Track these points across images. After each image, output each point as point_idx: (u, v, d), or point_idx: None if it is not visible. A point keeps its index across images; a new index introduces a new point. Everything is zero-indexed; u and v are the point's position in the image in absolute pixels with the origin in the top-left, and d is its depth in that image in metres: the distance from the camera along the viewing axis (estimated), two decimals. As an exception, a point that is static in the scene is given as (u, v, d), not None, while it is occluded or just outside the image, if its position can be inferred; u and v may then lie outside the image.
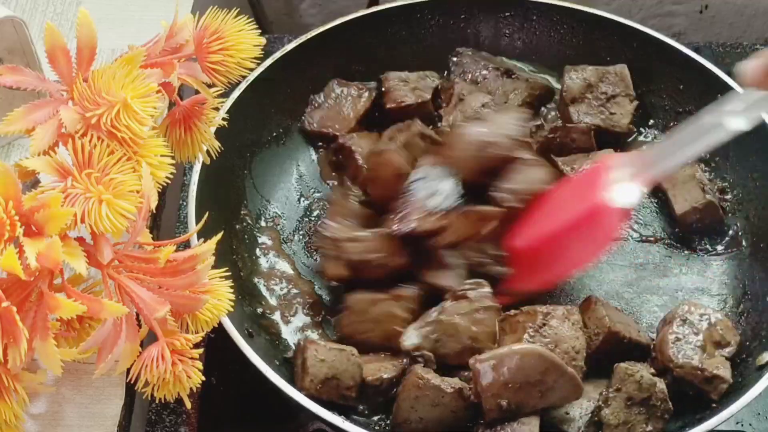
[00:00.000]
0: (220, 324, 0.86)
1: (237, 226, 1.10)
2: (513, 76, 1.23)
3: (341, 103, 1.21)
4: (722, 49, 1.36)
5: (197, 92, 0.87)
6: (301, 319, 1.05)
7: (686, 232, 1.12)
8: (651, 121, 1.25)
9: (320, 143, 1.21)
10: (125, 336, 0.75)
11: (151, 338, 0.77)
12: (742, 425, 1.03)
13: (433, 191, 1.01)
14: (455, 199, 1.01)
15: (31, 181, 0.80)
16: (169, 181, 0.79)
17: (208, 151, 0.91)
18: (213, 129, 0.90)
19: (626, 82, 1.22)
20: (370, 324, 0.99)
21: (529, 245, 1.01)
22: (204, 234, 0.83)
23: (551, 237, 0.99)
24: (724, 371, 0.94)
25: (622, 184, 0.95)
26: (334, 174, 1.19)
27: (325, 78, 1.22)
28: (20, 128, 0.76)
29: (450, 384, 0.91)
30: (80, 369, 0.91)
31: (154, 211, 0.91)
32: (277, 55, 1.17)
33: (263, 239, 1.12)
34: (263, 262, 1.10)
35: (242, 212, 1.12)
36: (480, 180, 1.04)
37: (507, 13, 1.29)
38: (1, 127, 0.75)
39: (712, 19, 1.69)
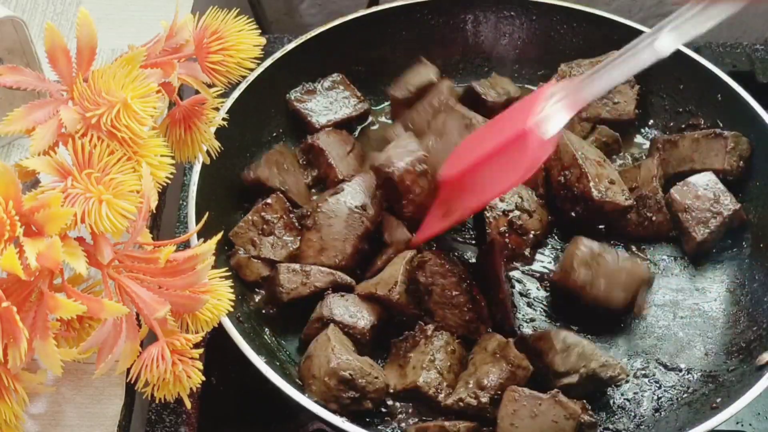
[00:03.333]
0: (220, 324, 0.86)
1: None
2: None
3: (331, 99, 1.22)
4: (722, 49, 1.36)
5: (197, 92, 0.87)
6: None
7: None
8: (651, 121, 1.25)
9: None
10: (125, 336, 0.75)
11: (151, 338, 0.77)
12: (742, 425, 1.03)
13: None
14: None
15: (31, 181, 0.80)
16: (169, 181, 0.79)
17: (208, 151, 0.91)
18: (213, 129, 0.90)
19: None
20: None
21: (456, 175, 1.01)
22: (204, 234, 0.83)
23: (476, 165, 0.98)
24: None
25: (549, 112, 0.92)
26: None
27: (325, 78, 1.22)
28: (20, 128, 0.76)
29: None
30: (80, 369, 0.91)
31: (154, 211, 0.91)
32: (277, 55, 1.18)
33: (263, 239, 1.12)
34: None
35: (242, 212, 1.12)
36: None
37: (507, 13, 1.29)
38: (1, 127, 0.75)
39: (712, 19, 1.68)
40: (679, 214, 1.08)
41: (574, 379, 0.94)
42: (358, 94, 1.22)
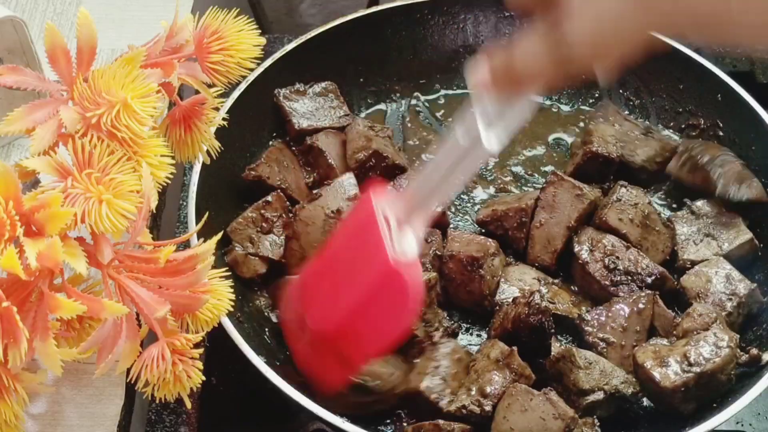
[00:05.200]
0: (220, 324, 0.86)
1: (237, 226, 1.10)
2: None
3: (317, 105, 1.20)
4: (722, 49, 1.36)
5: (197, 92, 0.87)
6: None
7: None
8: (651, 121, 1.25)
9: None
10: (125, 336, 0.75)
11: (151, 338, 0.77)
12: (742, 425, 1.03)
13: None
14: None
15: (31, 181, 0.80)
16: (169, 181, 0.79)
17: (208, 151, 0.91)
18: (213, 129, 0.90)
19: None
20: None
21: (332, 324, 0.87)
22: (204, 234, 0.83)
23: (350, 311, 0.85)
24: None
25: (402, 234, 0.81)
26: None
27: (324, 78, 1.22)
28: (20, 128, 0.76)
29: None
30: (80, 369, 0.91)
31: (154, 211, 0.91)
32: (277, 55, 1.17)
33: (263, 239, 1.12)
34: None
35: (242, 212, 1.12)
36: None
37: (507, 13, 1.29)
38: (1, 127, 0.75)
39: (712, 19, 1.68)
40: (693, 302, 1.01)
41: (599, 396, 0.92)
42: (345, 108, 1.20)
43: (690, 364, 0.92)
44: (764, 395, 0.90)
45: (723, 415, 0.88)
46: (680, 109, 1.23)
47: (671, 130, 1.23)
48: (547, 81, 0.70)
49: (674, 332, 0.97)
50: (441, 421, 0.91)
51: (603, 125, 1.19)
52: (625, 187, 1.09)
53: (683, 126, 1.22)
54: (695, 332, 0.95)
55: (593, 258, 1.04)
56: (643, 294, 1.01)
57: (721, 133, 1.18)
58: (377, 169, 1.13)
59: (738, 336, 0.95)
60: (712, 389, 0.93)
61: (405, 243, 0.81)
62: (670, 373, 0.92)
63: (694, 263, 1.06)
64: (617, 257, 1.04)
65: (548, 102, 1.28)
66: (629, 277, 1.03)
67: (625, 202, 1.08)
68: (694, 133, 1.20)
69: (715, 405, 0.92)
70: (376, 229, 0.82)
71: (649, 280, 1.03)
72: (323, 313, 0.88)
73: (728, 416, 0.88)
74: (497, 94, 0.73)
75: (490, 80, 0.72)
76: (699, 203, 1.10)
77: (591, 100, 1.27)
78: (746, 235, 1.07)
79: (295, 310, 0.94)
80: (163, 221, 1.10)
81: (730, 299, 1.01)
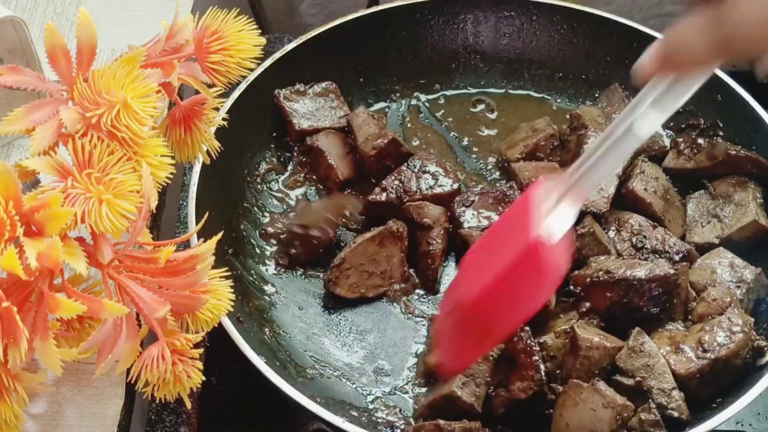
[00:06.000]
0: (220, 324, 0.86)
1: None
2: None
3: (318, 105, 1.20)
4: (723, 49, 1.36)
5: (197, 92, 0.87)
6: (301, 319, 1.05)
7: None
8: (651, 121, 1.25)
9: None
10: (125, 336, 0.75)
11: (151, 338, 0.77)
12: (742, 425, 1.03)
13: None
14: None
15: (31, 181, 0.80)
16: (169, 181, 0.79)
17: (208, 151, 0.91)
18: (213, 129, 0.90)
19: None
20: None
21: (475, 298, 0.87)
22: (204, 234, 0.83)
23: (492, 287, 0.85)
24: None
25: (551, 213, 0.82)
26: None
27: (325, 78, 1.22)
28: (20, 128, 0.76)
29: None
30: (80, 369, 0.91)
31: (154, 211, 0.91)
32: (277, 55, 1.18)
33: (263, 239, 1.12)
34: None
35: (242, 212, 1.12)
36: None
37: (507, 13, 1.29)
38: (1, 127, 0.75)
39: (712, 19, 1.68)
40: (702, 294, 1.01)
41: (627, 381, 0.91)
42: (346, 109, 1.20)
43: (704, 350, 0.92)
44: (764, 395, 0.90)
45: (723, 415, 0.88)
46: (680, 109, 1.22)
47: (671, 130, 1.23)
48: (708, 64, 0.70)
49: (690, 317, 0.98)
50: (441, 421, 0.91)
51: (588, 108, 1.19)
52: (645, 161, 1.11)
53: (683, 126, 1.22)
54: (710, 317, 0.95)
55: (620, 238, 1.05)
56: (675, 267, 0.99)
57: (721, 133, 1.18)
58: (391, 156, 1.14)
59: (752, 319, 0.95)
60: (729, 374, 0.93)
61: (554, 222, 0.81)
62: (685, 360, 0.92)
63: (697, 246, 1.06)
64: (644, 236, 1.04)
65: (547, 96, 1.29)
66: (657, 256, 1.03)
67: (647, 174, 1.09)
68: (694, 133, 1.20)
69: (714, 405, 0.92)
70: (528, 211, 0.83)
71: (677, 257, 1.03)
72: (470, 288, 0.89)
73: (728, 416, 0.88)
74: (657, 76, 0.75)
75: (647, 62, 0.73)
76: (716, 183, 1.11)
77: (589, 102, 1.27)
78: (749, 217, 1.06)
79: (450, 292, 0.99)
80: (163, 221, 1.10)
81: (739, 286, 1.01)
